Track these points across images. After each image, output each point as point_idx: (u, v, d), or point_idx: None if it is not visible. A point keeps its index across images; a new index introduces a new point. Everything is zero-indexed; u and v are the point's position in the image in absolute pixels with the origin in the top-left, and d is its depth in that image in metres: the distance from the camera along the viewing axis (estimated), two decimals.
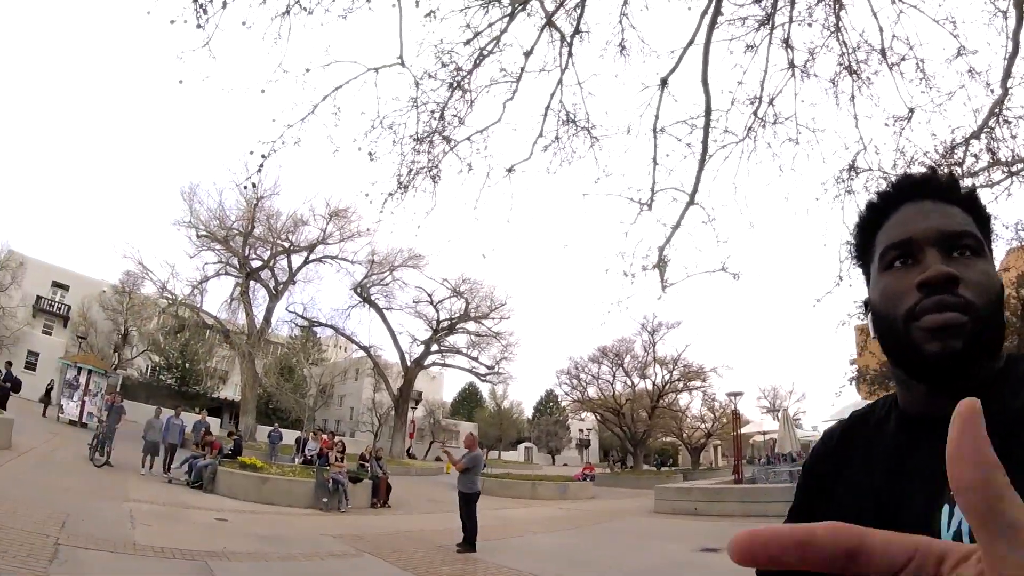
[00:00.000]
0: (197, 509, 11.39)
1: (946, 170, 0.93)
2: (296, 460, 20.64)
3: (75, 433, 21.78)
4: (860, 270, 1.00)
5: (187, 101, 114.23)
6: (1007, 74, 7.41)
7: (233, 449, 18.25)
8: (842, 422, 1.05)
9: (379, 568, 8.22)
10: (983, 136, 7.91)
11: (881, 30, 7.85)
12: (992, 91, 7.64)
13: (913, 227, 0.87)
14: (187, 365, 49.03)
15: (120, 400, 17.24)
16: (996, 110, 7.70)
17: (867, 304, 0.95)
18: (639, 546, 11.56)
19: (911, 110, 8.16)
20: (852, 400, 21.28)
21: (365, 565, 8.37)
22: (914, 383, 0.85)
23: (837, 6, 7.84)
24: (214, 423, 28.96)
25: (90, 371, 27.71)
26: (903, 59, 7.94)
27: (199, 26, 6.23)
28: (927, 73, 7.94)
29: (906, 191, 0.91)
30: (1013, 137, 7.77)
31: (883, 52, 7.95)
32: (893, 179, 0.96)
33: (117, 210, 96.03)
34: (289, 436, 29.09)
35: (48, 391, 29.19)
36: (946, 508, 0.72)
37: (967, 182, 8.83)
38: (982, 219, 0.89)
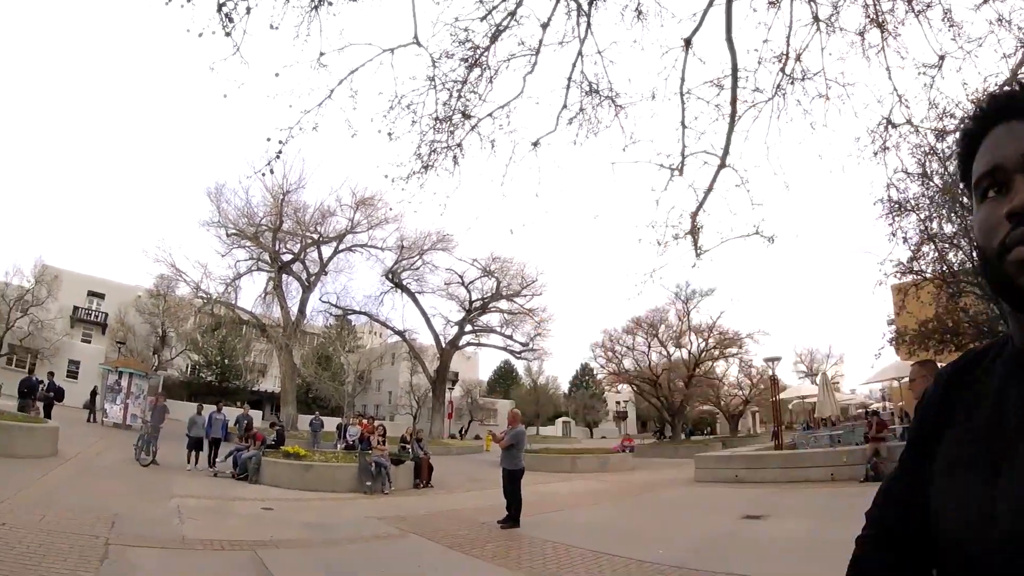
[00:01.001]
0: (243, 500, 11.62)
1: None
2: (338, 446, 21.05)
3: (120, 435, 22.40)
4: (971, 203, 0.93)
5: (208, 100, 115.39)
6: None
7: (276, 439, 18.62)
8: (955, 361, 1.02)
9: (425, 548, 8.38)
10: (1015, 84, 7.65)
11: None
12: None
13: (1000, 153, 0.82)
14: (226, 361, 50.21)
15: (163, 400, 17.74)
16: None
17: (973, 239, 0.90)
18: (681, 516, 11.60)
19: (941, 58, 7.90)
20: (892, 361, 20.93)
21: (410, 546, 8.54)
22: (1022, 316, 0.82)
23: None
24: (256, 416, 29.67)
25: (131, 374, 28.56)
26: (929, 6, 7.69)
27: (227, 34, 6.29)
28: (955, 21, 7.68)
29: (993, 113, 0.86)
30: None
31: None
32: (981, 102, 0.90)
33: (147, 216, 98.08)
34: (330, 423, 29.65)
35: (92, 397, 30.11)
36: None
37: None
38: None
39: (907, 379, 5.61)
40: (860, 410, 31.03)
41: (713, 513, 11.52)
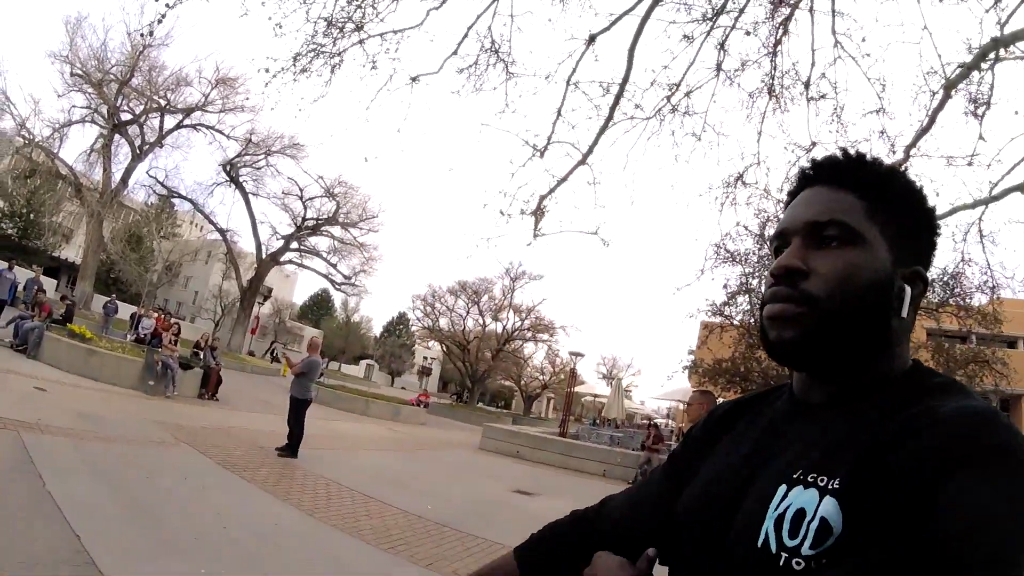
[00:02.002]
0: (17, 375, 10.58)
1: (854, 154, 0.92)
2: (128, 337, 19.39)
3: None
4: None
5: None
6: (913, 144, 8.02)
7: (64, 315, 16.90)
8: (739, 397, 1.08)
9: (196, 460, 7.98)
10: (839, 149, 8.53)
11: (813, 64, 8.22)
12: (895, 153, 8.24)
13: (788, 217, 0.88)
14: (31, 216, 44.21)
15: None
16: None
17: None
18: (458, 478, 11.96)
19: (813, 143, 8.66)
20: (683, 386, 22.93)
21: (182, 456, 8.09)
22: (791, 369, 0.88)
23: (781, 31, 8.11)
24: (49, 284, 26.53)
25: None
26: (823, 97, 8.38)
27: None
28: (841, 119, 8.43)
29: (804, 178, 0.91)
30: None
31: (807, 84, 8.34)
32: (801, 166, 0.94)
33: None
34: (125, 311, 27.28)
35: None
36: (783, 488, 0.73)
37: None
38: (887, 203, 0.84)
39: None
40: (644, 420, 33.73)
41: (488, 481, 11.99)
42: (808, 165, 0.91)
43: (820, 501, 0.68)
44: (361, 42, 8.33)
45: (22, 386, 9.78)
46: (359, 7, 8.04)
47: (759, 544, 0.71)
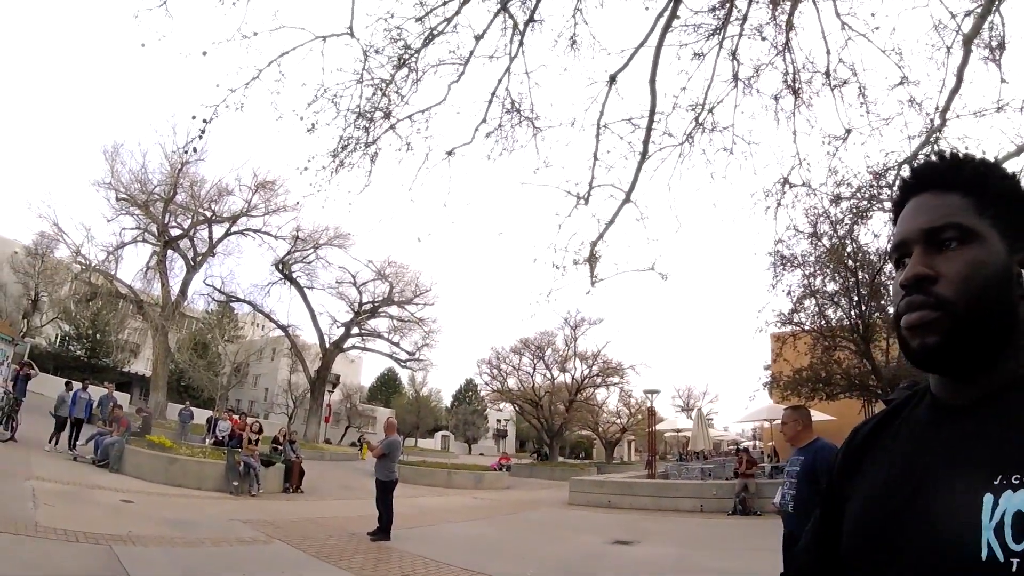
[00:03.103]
0: (103, 489, 10.79)
1: (938, 156, 0.89)
2: (207, 441, 19.78)
3: None
4: None
5: (114, 54, 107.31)
6: (947, 106, 7.72)
7: (141, 427, 17.32)
8: (871, 418, 1.06)
9: (291, 555, 7.92)
10: (916, 163, 8.23)
11: (828, 52, 8.06)
12: (932, 121, 7.94)
13: (903, 229, 0.90)
14: (98, 336, 46.38)
15: (29, 369, 16.18)
16: (931, 139, 8.01)
17: None
18: (553, 536, 11.61)
19: (848, 131, 8.43)
20: (765, 403, 22.12)
21: (276, 552, 8.05)
22: (931, 375, 0.89)
23: (787, 27, 8.01)
24: (123, 398, 27.51)
25: None
26: (845, 82, 8.18)
27: None
28: (868, 98, 8.20)
29: (908, 188, 0.94)
30: None
31: (827, 74, 8.16)
32: (905, 174, 0.96)
33: (35, 166, 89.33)
34: (201, 416, 27.93)
35: None
36: (989, 497, 0.72)
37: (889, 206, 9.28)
38: (992, 196, 0.87)
39: (779, 421, 5.86)
40: (731, 447, 32.53)
41: (585, 535, 11.60)
42: (908, 175, 0.96)
43: None
44: (392, 127, 8.52)
45: (109, 500, 9.95)
46: (383, 94, 8.25)
47: (984, 557, 0.70)
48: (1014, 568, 0.67)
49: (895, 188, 0.93)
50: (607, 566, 8.57)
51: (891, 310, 0.91)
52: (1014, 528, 0.68)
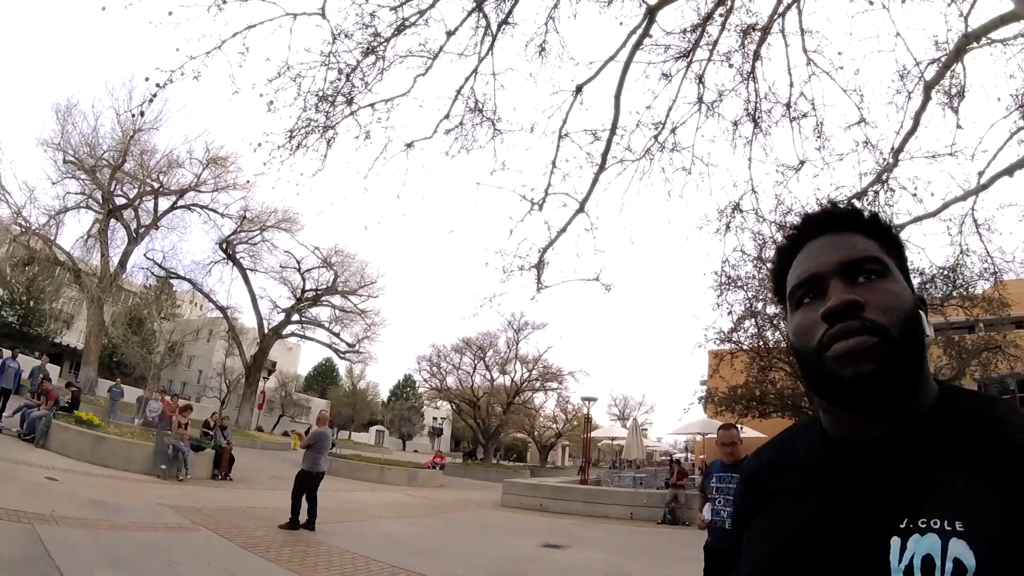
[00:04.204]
0: (27, 465, 10.42)
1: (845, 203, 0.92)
2: (136, 421, 19.07)
3: None
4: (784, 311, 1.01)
5: (75, 8, 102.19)
6: (901, 148, 8.04)
7: (70, 402, 16.57)
8: (770, 445, 1.06)
9: (217, 544, 7.68)
10: (864, 199, 8.53)
11: (791, 85, 8.31)
12: (885, 160, 8.25)
13: (815, 262, 0.90)
14: (31, 303, 44.25)
15: None
16: (883, 177, 8.33)
17: (789, 344, 0.98)
18: (484, 538, 11.60)
19: (801, 162, 8.70)
20: (699, 417, 22.63)
21: (202, 540, 7.80)
22: (842, 410, 0.86)
23: (755, 57, 8.22)
24: (53, 371, 26.31)
25: None
26: (804, 115, 8.45)
27: None
28: (824, 134, 8.49)
29: (808, 229, 0.94)
30: (889, 205, 8.44)
31: (788, 105, 8.41)
32: (797, 219, 0.98)
33: None
34: (131, 394, 26.95)
35: None
36: (896, 540, 0.72)
37: None
38: (888, 240, 0.91)
39: (711, 435, 6.04)
40: (664, 457, 33.08)
41: (516, 537, 11.63)
42: (803, 220, 0.97)
43: (945, 545, 0.69)
44: (353, 113, 8.41)
45: (33, 476, 9.60)
46: (348, 79, 8.12)
47: None
48: None
49: (790, 234, 0.97)
50: (536, 570, 8.60)
51: (797, 345, 0.90)
52: (923, 572, 0.69)
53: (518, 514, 15.81)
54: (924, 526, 0.71)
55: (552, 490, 17.65)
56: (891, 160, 8.11)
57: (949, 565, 0.67)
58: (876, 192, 8.43)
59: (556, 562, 9.35)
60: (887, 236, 0.91)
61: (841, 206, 0.95)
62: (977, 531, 0.68)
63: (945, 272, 14.50)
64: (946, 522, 0.70)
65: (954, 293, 15.23)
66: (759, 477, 1.00)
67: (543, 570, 8.64)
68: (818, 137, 8.50)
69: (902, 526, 0.72)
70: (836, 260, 0.87)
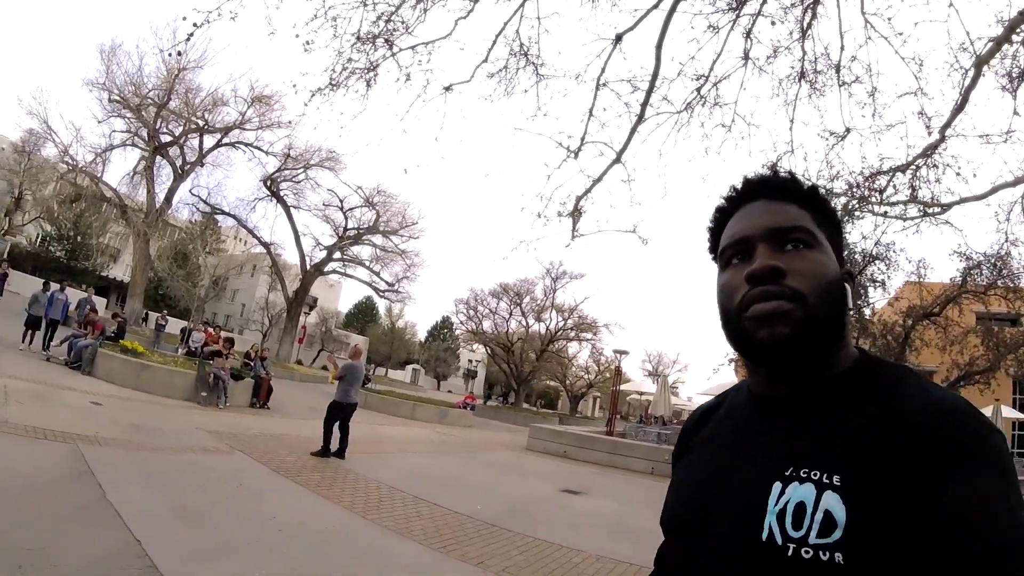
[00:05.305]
0: (73, 391, 10.93)
1: (826, 181, 0.99)
2: (179, 351, 19.95)
3: None
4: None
5: None
6: (949, 123, 7.77)
7: (116, 332, 17.39)
8: (709, 401, 1.12)
9: (250, 467, 8.18)
10: (909, 172, 8.30)
11: (843, 48, 8.01)
12: (931, 133, 7.99)
13: (745, 225, 0.93)
14: (79, 239, 46.14)
15: (6, 268, 16.11)
16: (929, 152, 8.08)
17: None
18: (505, 478, 11.99)
19: (848, 129, 8.45)
20: (729, 379, 22.61)
21: (236, 463, 8.30)
22: (759, 367, 0.92)
23: (811, 15, 7.93)
24: (100, 303, 27.50)
25: None
26: (857, 80, 8.16)
27: None
28: (876, 101, 8.19)
29: (745, 193, 0.97)
30: (937, 181, 8.20)
31: (838, 68, 8.13)
32: (735, 184, 0.99)
33: (27, 61, 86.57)
34: (176, 326, 27.97)
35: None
36: (778, 485, 0.78)
37: (882, 210, 9.36)
38: (823, 212, 0.94)
39: None
40: None
41: (536, 480, 11.99)
42: (743, 183, 0.98)
43: (819, 495, 0.74)
44: (393, 55, 8.42)
45: (79, 401, 10.11)
46: (388, 21, 8.13)
47: (763, 538, 0.76)
48: (789, 552, 0.73)
49: (728, 196, 0.99)
50: (550, 512, 8.92)
51: (721, 303, 0.94)
52: (794, 517, 0.74)
53: (542, 459, 16.21)
54: (804, 476, 0.76)
55: (576, 438, 17.98)
56: (938, 136, 7.86)
57: (819, 515, 0.72)
58: (918, 168, 8.20)
59: (571, 507, 9.67)
60: (823, 209, 0.94)
61: (782, 174, 0.97)
62: (853, 487, 0.73)
63: (992, 261, 14.09)
64: (825, 475, 0.75)
65: (999, 283, 14.80)
66: (689, 428, 1.09)
67: (556, 512, 8.96)
68: (871, 104, 8.20)
69: (786, 474, 0.78)
70: (765, 225, 0.90)
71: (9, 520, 4.31)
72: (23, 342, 14.72)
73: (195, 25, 6.74)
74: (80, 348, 13.91)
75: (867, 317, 17.21)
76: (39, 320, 14.96)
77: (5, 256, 25.24)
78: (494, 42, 8.70)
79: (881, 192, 8.78)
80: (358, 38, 8.03)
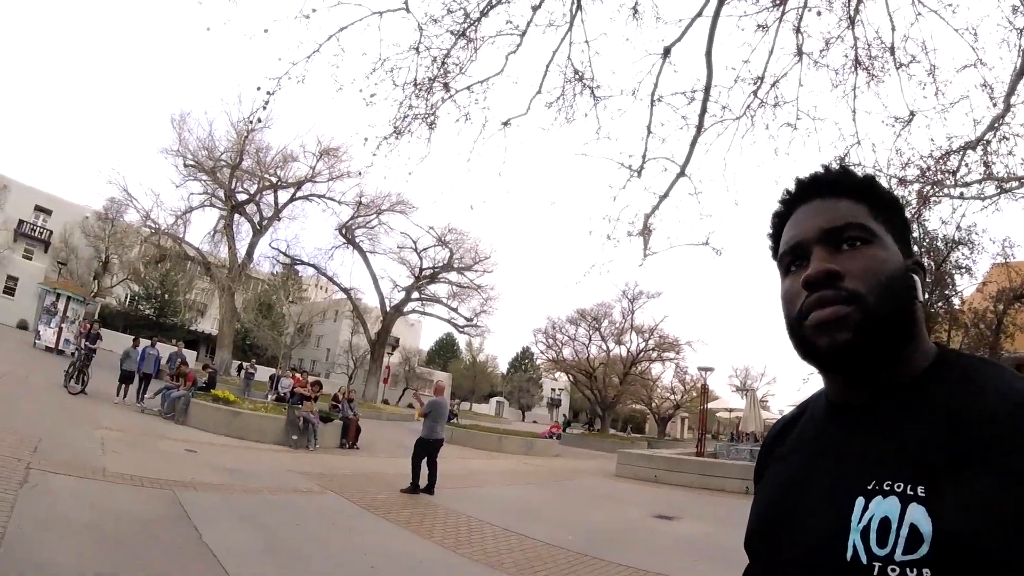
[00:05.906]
0: (168, 439, 11.48)
1: (848, 167, 0.95)
2: (269, 397, 20.77)
3: (51, 360, 21.77)
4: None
5: (182, 27, 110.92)
6: (1011, 90, 7.38)
7: (207, 382, 18.24)
8: (790, 412, 1.10)
9: (341, 506, 8.41)
10: (980, 148, 7.90)
11: (894, 29, 7.76)
12: (995, 104, 7.60)
13: (799, 229, 0.91)
14: (166, 296, 49.10)
15: (97, 328, 17.26)
16: (996, 124, 7.68)
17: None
18: (595, 506, 11.85)
19: (912, 113, 8.13)
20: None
21: (328, 502, 8.55)
22: (829, 376, 0.91)
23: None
24: (190, 356, 29.04)
25: (69, 297, 27.59)
26: (913, 59, 7.87)
27: None
28: (936, 79, 7.86)
29: (798, 195, 0.95)
30: (1010, 154, 7.76)
31: (892, 50, 7.87)
32: (788, 187, 0.97)
33: (105, 135, 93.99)
34: (264, 374, 29.12)
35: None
36: (861, 500, 0.74)
37: (958, 192, 8.91)
38: (882, 202, 0.91)
39: None
40: None
41: (627, 507, 11.81)
42: (795, 184, 0.96)
43: (904, 508, 0.70)
44: (451, 97, 8.67)
45: (174, 449, 10.63)
46: (442, 65, 8.40)
47: (848, 557, 0.73)
48: (875, 572, 0.69)
49: (785, 196, 0.97)
50: (641, 539, 8.77)
51: (784, 312, 0.92)
52: (879, 533, 0.70)
53: (631, 484, 15.95)
54: (888, 489, 0.72)
55: (666, 461, 17.61)
56: (1002, 106, 7.44)
57: (904, 529, 0.68)
58: (988, 142, 7.76)
59: (663, 532, 9.47)
60: (881, 199, 0.91)
61: (833, 168, 0.94)
62: (938, 497, 0.68)
63: None
64: (908, 486, 0.71)
65: None
66: (769, 443, 1.07)
67: (648, 539, 8.79)
68: (931, 83, 7.86)
69: (869, 487, 0.74)
70: (818, 227, 0.88)
71: (111, 562, 4.58)
72: (117, 395, 15.56)
73: (269, 93, 7.15)
74: (173, 399, 14.60)
75: (956, 307, 16.27)
76: (132, 374, 15.85)
77: (96, 317, 27.06)
78: (546, 71, 8.84)
79: (954, 173, 8.34)
80: (415, 84, 8.32)
